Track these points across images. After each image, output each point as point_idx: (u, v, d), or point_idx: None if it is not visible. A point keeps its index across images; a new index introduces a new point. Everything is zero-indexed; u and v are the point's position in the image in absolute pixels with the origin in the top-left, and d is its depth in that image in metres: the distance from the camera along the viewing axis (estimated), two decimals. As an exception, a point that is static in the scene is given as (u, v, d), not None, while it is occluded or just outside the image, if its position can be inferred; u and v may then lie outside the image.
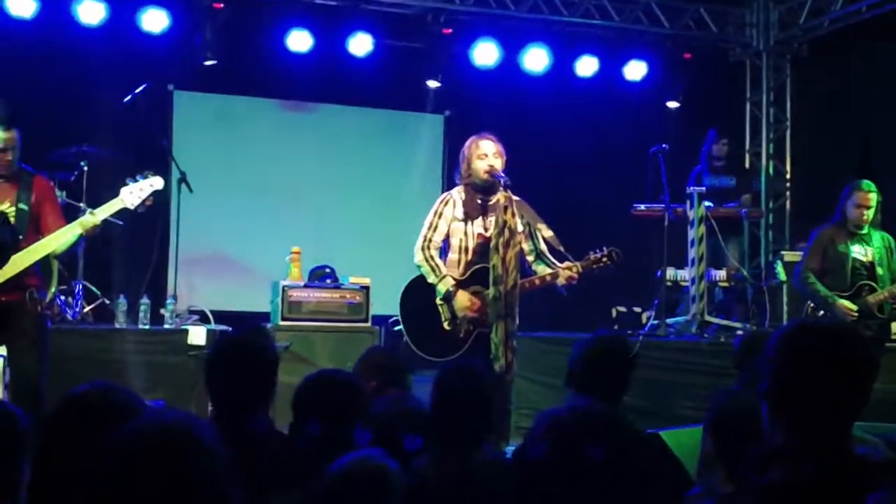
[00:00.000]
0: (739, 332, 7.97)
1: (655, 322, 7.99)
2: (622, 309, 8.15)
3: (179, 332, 7.01)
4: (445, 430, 3.00)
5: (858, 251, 6.63)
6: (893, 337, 6.88)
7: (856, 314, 6.45)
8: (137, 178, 6.21)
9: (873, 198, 6.60)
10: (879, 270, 6.62)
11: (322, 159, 9.47)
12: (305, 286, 7.37)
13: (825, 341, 2.10)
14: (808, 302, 6.81)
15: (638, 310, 8.17)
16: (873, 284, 6.58)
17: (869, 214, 6.60)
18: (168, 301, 7.31)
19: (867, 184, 6.65)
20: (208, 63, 8.48)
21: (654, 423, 6.85)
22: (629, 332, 7.84)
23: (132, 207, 5.88)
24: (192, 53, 8.51)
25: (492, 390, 3.25)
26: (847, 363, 2.07)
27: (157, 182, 6.14)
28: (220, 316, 7.66)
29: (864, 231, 6.64)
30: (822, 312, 6.67)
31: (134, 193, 5.89)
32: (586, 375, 3.71)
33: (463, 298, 5.56)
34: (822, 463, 2.01)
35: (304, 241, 7.91)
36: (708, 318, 8.16)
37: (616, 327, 7.99)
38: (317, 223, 9.18)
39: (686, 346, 7.65)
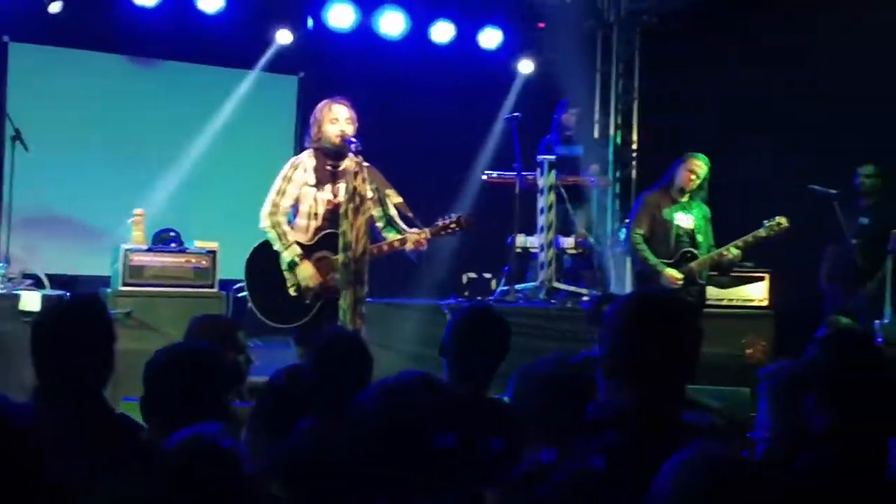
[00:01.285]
0: (586, 299, 8.15)
1: (505, 288, 8.07)
2: (472, 275, 8.19)
3: (11, 296, 6.69)
4: (329, 396, 2.96)
5: (681, 219, 6.87)
6: (708, 302, 7.13)
7: (681, 282, 6.68)
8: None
9: (705, 169, 6.84)
10: (699, 238, 6.88)
11: (169, 119, 9.18)
12: (149, 250, 7.13)
13: (657, 311, 2.16)
14: (636, 269, 7.02)
15: (488, 276, 8.23)
16: (694, 251, 6.83)
17: (696, 182, 6.82)
18: None
19: (702, 156, 6.90)
20: (53, 10, 8.06)
21: (504, 386, 6.98)
22: (479, 297, 7.93)
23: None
24: (30, 3, 8.10)
25: (369, 354, 3.25)
26: (677, 332, 2.13)
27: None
28: (58, 280, 7.38)
29: (686, 199, 6.86)
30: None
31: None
32: (463, 347, 3.60)
33: (307, 269, 5.49)
34: (653, 427, 2.06)
35: (148, 203, 7.69)
36: (556, 284, 8.30)
37: (466, 293, 8.03)
38: (162, 185, 8.90)
39: (535, 312, 7.76)
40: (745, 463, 1.59)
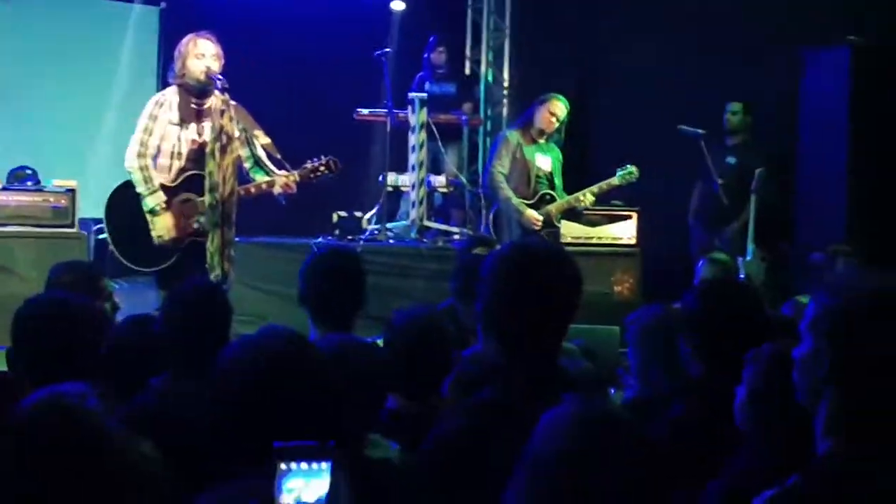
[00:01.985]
0: (457, 237, 8.17)
1: (376, 227, 8.02)
2: (343, 214, 8.09)
3: None
4: (180, 349, 2.85)
5: (541, 160, 6.93)
6: (577, 240, 7.24)
7: (540, 223, 6.76)
8: None
9: (564, 110, 6.89)
10: (557, 181, 6.98)
11: (21, 51, 8.69)
12: (3, 189, 6.84)
13: (535, 264, 2.13)
14: (491, 214, 7.04)
15: (359, 215, 8.16)
16: (553, 193, 6.92)
17: (556, 125, 6.89)
18: None
19: (562, 98, 6.95)
20: None
21: (376, 327, 6.95)
22: (350, 237, 7.87)
23: None
24: None
25: (227, 306, 3.09)
26: (554, 285, 2.11)
27: None
28: None
29: (543, 142, 6.93)
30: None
31: None
32: (320, 294, 3.47)
33: (166, 221, 5.32)
34: (531, 380, 2.05)
35: (2, 139, 7.32)
36: (427, 223, 8.29)
37: (337, 232, 7.95)
38: (15, 121, 8.46)
39: (406, 251, 7.75)
40: (618, 419, 1.59)
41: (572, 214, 7.19)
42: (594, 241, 7.46)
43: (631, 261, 7.59)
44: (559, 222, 7.02)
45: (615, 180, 7.00)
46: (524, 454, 1.60)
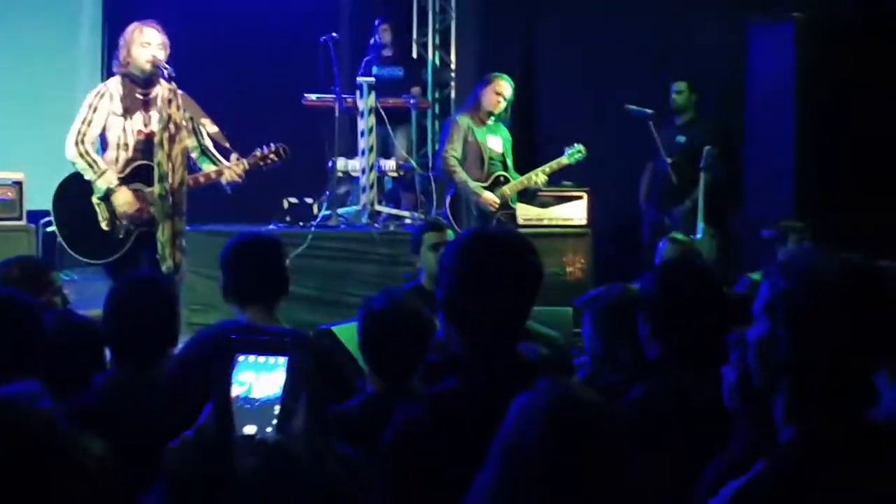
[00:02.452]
0: (409, 221, 8.17)
1: (327, 213, 7.99)
2: (294, 200, 8.05)
3: None
4: (124, 345, 2.80)
5: (492, 141, 6.88)
6: (529, 221, 7.26)
7: (497, 205, 6.75)
8: None
9: (509, 89, 6.83)
10: (508, 161, 6.95)
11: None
12: (-51, 182, 6.74)
13: (496, 252, 2.12)
14: (447, 198, 7.01)
15: (310, 201, 8.11)
16: (506, 175, 6.89)
17: (503, 104, 6.83)
18: None
19: (506, 77, 6.89)
20: None
21: (328, 312, 6.97)
22: (301, 223, 7.83)
23: None
24: None
25: (172, 298, 3.03)
26: (516, 273, 2.11)
27: None
28: None
29: (492, 123, 6.90)
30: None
31: None
32: (240, 284, 3.34)
33: (124, 195, 5.25)
34: (493, 369, 2.05)
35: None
36: (378, 207, 8.27)
37: (288, 219, 7.91)
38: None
39: (358, 237, 7.73)
40: (590, 401, 1.59)
41: (526, 195, 7.18)
42: (545, 222, 7.49)
43: (582, 241, 7.62)
44: (514, 203, 6.99)
45: (564, 159, 6.99)
46: (496, 440, 1.60)
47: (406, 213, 8.37)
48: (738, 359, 2.31)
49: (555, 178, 7.34)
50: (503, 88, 6.80)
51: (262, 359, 1.54)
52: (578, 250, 7.53)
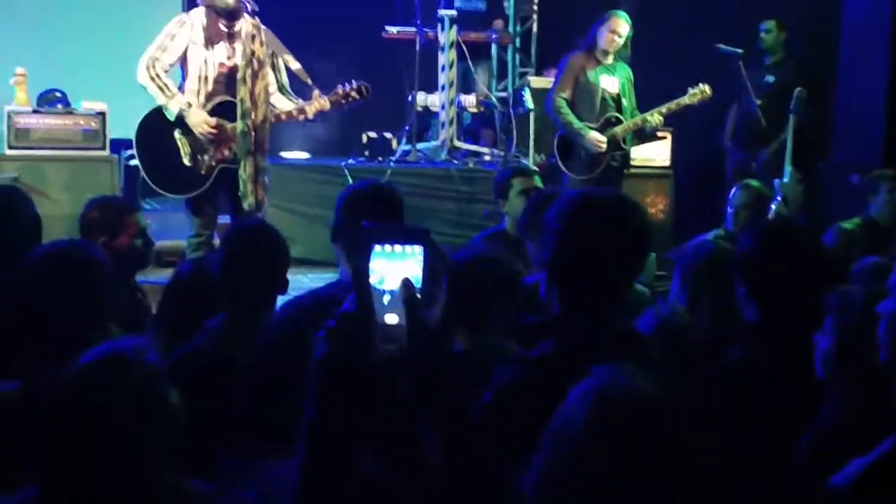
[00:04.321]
0: (487, 158, 8.10)
1: (406, 148, 7.96)
2: (373, 135, 8.03)
3: None
4: (237, 292, 2.83)
5: (606, 82, 6.65)
6: (632, 164, 7.09)
7: (605, 146, 6.57)
8: None
9: (626, 28, 6.60)
10: (624, 102, 6.68)
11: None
12: (34, 112, 6.82)
13: (605, 213, 2.07)
14: (555, 139, 6.83)
15: (388, 135, 8.08)
16: (619, 116, 6.64)
17: (619, 42, 6.61)
18: None
19: (623, 13, 6.66)
20: None
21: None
22: (380, 158, 7.81)
23: None
24: None
25: (283, 246, 3.02)
26: (625, 234, 2.05)
27: None
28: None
29: (611, 62, 6.69)
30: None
31: None
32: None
33: (198, 115, 5.22)
34: (592, 333, 2.01)
35: (30, 61, 7.24)
36: (457, 143, 8.22)
37: (367, 153, 7.89)
38: (42, 43, 8.34)
39: (436, 173, 7.70)
40: (645, 393, 1.50)
41: (642, 136, 6.89)
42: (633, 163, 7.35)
43: (664, 183, 7.50)
44: (627, 144, 6.71)
45: (685, 99, 6.66)
46: (549, 423, 1.55)
47: (486, 150, 8.31)
48: (833, 325, 2.23)
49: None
50: (618, 26, 6.58)
51: (397, 248, 1.52)
52: (660, 192, 7.41)
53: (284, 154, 8.13)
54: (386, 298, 1.49)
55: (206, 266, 3.17)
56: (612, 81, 6.67)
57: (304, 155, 8.19)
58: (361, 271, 1.48)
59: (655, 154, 7.43)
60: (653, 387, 1.50)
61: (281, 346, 1.98)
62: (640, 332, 2.07)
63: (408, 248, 1.51)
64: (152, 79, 5.21)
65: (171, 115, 5.22)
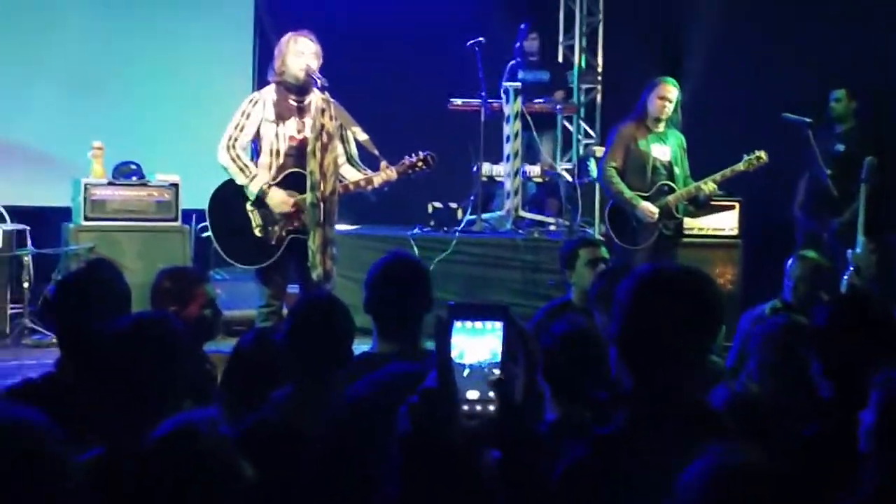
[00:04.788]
0: (553, 228, 8.11)
1: (472, 218, 8.00)
2: (438, 205, 8.09)
3: (-28, 233, 6.56)
4: (304, 364, 2.85)
5: (658, 150, 6.59)
6: (686, 233, 7.04)
7: (657, 216, 6.52)
8: None
9: (675, 93, 6.55)
10: (676, 170, 6.61)
11: (124, 45, 8.85)
12: (109, 184, 7.03)
13: (676, 286, 2.06)
14: (607, 209, 6.80)
15: (454, 205, 8.13)
16: (672, 184, 6.58)
17: (669, 108, 6.55)
18: (-44, 201, 6.81)
19: (671, 79, 6.63)
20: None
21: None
22: (445, 228, 7.86)
23: None
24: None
25: (349, 318, 3.03)
26: (697, 308, 2.04)
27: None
28: (16, 211, 7.22)
29: (662, 129, 6.62)
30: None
31: None
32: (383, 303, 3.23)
33: (278, 195, 5.33)
34: (664, 408, 1.99)
35: (107, 134, 7.46)
36: (522, 213, 8.24)
37: (432, 223, 7.95)
38: (120, 116, 8.59)
39: (501, 243, 7.72)
40: (759, 473, 1.50)
41: (695, 205, 6.79)
42: (695, 231, 7.31)
43: (733, 252, 7.44)
44: (681, 213, 6.64)
45: (741, 166, 6.56)
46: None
47: (551, 220, 8.32)
48: (878, 401, 2.20)
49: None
50: (667, 92, 6.52)
51: (478, 324, 1.55)
52: (729, 261, 7.34)
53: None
54: (466, 372, 1.51)
55: (268, 336, 3.20)
56: (663, 150, 6.60)
57: (352, 227, 8.28)
58: (444, 349, 1.50)
59: (724, 223, 7.38)
60: (766, 465, 1.50)
61: (354, 421, 1.99)
62: (712, 406, 2.04)
63: (488, 324, 1.53)
64: (233, 160, 5.34)
65: (252, 195, 5.34)
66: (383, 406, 1.73)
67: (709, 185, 6.55)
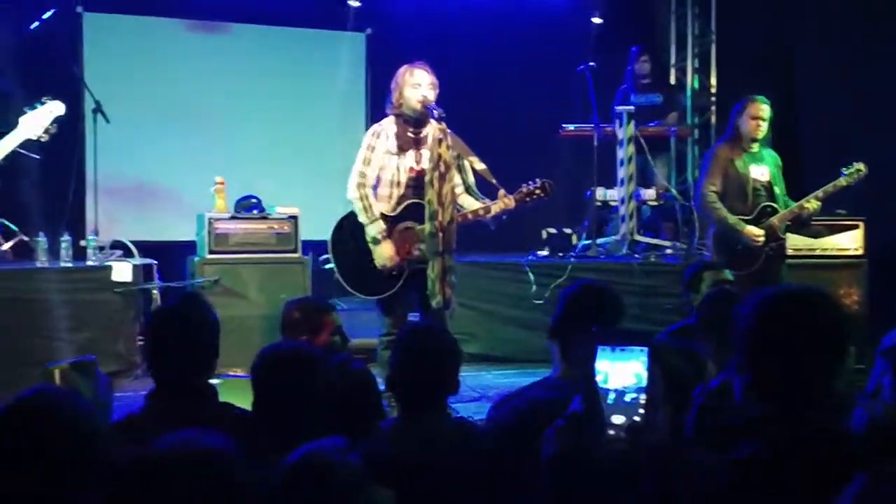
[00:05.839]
0: (669, 252, 8.04)
1: (586, 243, 7.99)
2: (552, 230, 8.10)
3: (103, 268, 6.81)
4: (410, 393, 2.88)
5: (756, 171, 6.45)
6: (801, 252, 6.88)
7: (762, 239, 6.36)
8: (35, 105, 6.10)
9: (767, 110, 6.40)
10: (776, 190, 6.47)
11: (242, 84, 9.14)
12: (231, 217, 7.21)
13: (802, 311, 2.04)
14: (709, 235, 6.67)
15: (568, 231, 8.14)
16: (773, 205, 6.43)
17: (764, 127, 6.40)
18: (90, 237, 7.08)
19: (762, 97, 6.45)
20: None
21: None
22: (560, 253, 7.86)
23: (35, 137, 5.72)
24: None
25: (455, 348, 3.03)
26: (825, 332, 2.02)
27: (56, 108, 6.11)
28: (144, 247, 7.47)
29: (757, 149, 6.48)
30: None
31: (34, 122, 5.73)
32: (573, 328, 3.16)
33: (387, 249, 5.41)
34: (797, 436, 1.97)
35: (228, 170, 7.69)
36: (637, 237, 8.20)
37: (547, 249, 7.96)
38: (240, 152, 8.89)
39: (617, 267, 7.68)
40: None
41: (798, 224, 6.69)
42: (817, 252, 7.17)
43: (857, 272, 7.26)
44: (784, 234, 6.49)
45: (842, 181, 6.41)
46: None
47: (667, 243, 8.26)
48: None
49: (828, 207, 6.78)
50: (760, 111, 6.37)
51: (621, 349, 1.57)
52: (853, 282, 7.17)
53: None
54: (611, 397, 1.53)
55: (355, 366, 3.23)
56: (761, 170, 6.46)
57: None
58: (590, 374, 1.52)
59: (847, 243, 7.21)
60: None
61: (498, 449, 2.02)
62: (845, 430, 2.01)
63: (631, 349, 1.56)
64: (361, 198, 5.43)
65: (368, 235, 5.43)
66: (528, 432, 1.76)
67: (812, 204, 6.37)
